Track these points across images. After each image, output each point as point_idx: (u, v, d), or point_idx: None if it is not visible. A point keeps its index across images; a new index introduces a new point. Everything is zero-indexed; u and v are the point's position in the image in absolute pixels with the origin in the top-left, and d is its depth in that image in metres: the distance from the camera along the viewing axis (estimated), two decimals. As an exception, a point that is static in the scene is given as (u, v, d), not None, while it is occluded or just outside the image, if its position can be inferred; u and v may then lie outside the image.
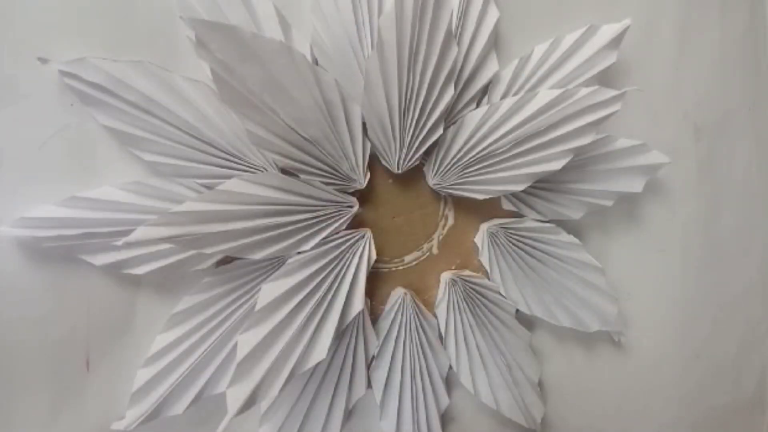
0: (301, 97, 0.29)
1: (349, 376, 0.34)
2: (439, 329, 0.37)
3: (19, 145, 0.28)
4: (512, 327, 0.37)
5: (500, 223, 0.36)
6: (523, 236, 0.36)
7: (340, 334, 0.32)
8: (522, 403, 0.37)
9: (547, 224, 0.36)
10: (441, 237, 0.37)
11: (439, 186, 0.35)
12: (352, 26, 0.32)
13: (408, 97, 0.32)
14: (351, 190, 0.33)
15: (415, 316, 0.35)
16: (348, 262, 0.32)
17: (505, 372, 0.37)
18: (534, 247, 0.36)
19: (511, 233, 0.36)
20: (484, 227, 0.36)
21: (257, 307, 0.29)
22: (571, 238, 0.36)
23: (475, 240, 0.37)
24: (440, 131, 0.33)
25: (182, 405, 0.30)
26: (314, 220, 0.31)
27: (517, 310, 0.38)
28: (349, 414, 0.35)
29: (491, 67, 0.35)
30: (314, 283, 0.31)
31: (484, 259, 0.36)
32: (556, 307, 0.36)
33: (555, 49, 0.36)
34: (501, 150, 0.33)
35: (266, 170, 0.31)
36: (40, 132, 0.28)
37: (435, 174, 0.35)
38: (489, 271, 0.36)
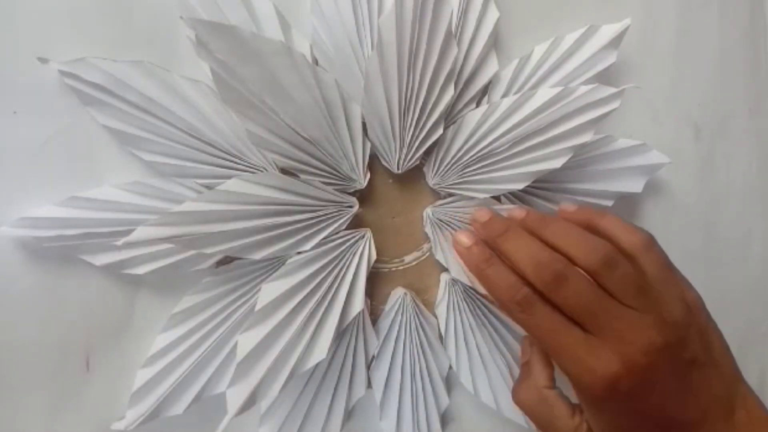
0: (301, 97, 0.29)
1: (349, 376, 0.34)
2: (439, 329, 0.37)
3: (19, 145, 0.28)
4: (512, 327, 0.37)
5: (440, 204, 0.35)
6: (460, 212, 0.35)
7: (340, 334, 0.32)
8: (522, 403, 0.37)
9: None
10: (441, 237, 0.37)
11: (439, 186, 0.35)
12: (352, 26, 0.32)
13: (408, 97, 0.32)
14: (351, 190, 0.34)
15: (415, 316, 0.35)
16: (348, 262, 0.32)
17: (505, 372, 0.37)
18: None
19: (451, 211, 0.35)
20: (428, 211, 0.35)
21: (257, 307, 0.29)
22: (510, 206, 0.35)
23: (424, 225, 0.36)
24: (440, 131, 0.33)
25: (182, 405, 0.30)
26: (314, 220, 0.31)
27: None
28: (349, 414, 0.35)
29: (491, 67, 0.35)
30: (314, 283, 0.31)
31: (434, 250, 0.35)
32: None
33: (555, 49, 0.36)
34: (501, 149, 0.33)
35: (266, 170, 0.31)
36: (39, 132, 0.28)
37: (435, 174, 0.35)
38: (433, 249, 0.35)
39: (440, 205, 0.35)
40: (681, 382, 0.26)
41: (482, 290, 0.34)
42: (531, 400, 0.31)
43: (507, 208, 0.33)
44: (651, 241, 0.29)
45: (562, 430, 0.29)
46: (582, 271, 0.27)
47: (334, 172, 0.32)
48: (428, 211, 0.36)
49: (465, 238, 0.31)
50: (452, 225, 0.35)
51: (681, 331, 0.26)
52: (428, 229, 0.35)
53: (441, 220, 0.35)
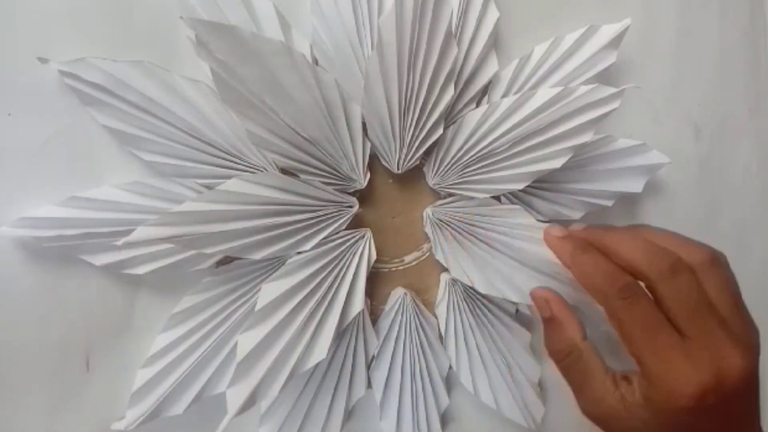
0: (301, 97, 0.29)
1: (349, 376, 0.34)
2: (439, 329, 0.37)
3: (18, 145, 0.28)
4: (512, 327, 0.37)
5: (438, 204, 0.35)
6: (462, 214, 0.35)
7: (340, 334, 0.32)
8: (522, 403, 0.37)
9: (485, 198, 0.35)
10: (441, 237, 0.37)
11: (439, 186, 0.35)
12: (352, 26, 0.32)
13: (408, 97, 0.32)
14: (351, 190, 0.33)
15: (415, 316, 0.35)
16: (348, 262, 0.32)
17: (505, 372, 0.37)
18: (472, 224, 0.35)
19: (450, 211, 0.35)
20: (428, 211, 0.36)
21: (257, 307, 0.29)
22: (510, 206, 0.35)
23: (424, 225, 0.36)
24: (440, 131, 0.33)
25: (182, 405, 0.30)
26: (314, 220, 0.31)
27: (517, 311, 0.38)
28: (349, 414, 0.35)
29: (491, 67, 0.35)
30: (314, 283, 0.31)
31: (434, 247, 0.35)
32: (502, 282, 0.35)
33: (555, 49, 0.36)
34: (500, 149, 0.33)
35: (266, 170, 0.31)
36: (39, 132, 0.28)
37: (435, 174, 0.35)
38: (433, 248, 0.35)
39: (440, 205, 0.35)
40: (740, 409, 0.26)
41: (483, 290, 0.34)
42: (565, 350, 0.30)
43: (539, 225, 0.33)
44: (726, 261, 0.29)
45: (595, 383, 0.28)
46: None
47: (334, 172, 0.32)
48: (428, 211, 0.36)
49: (557, 231, 0.31)
50: (452, 225, 0.35)
51: (757, 358, 0.26)
52: (428, 229, 0.35)
53: (441, 220, 0.35)
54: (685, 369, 0.24)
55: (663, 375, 0.25)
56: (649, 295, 0.27)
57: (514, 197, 0.36)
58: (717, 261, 0.27)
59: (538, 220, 0.35)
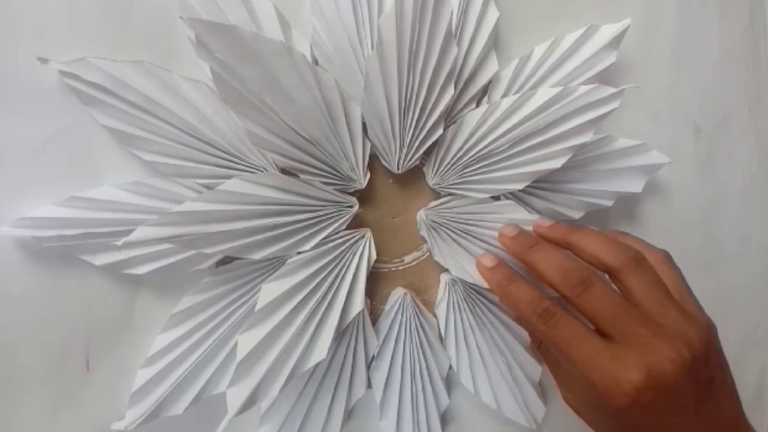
0: (301, 97, 0.29)
1: (349, 376, 0.34)
2: (439, 329, 0.37)
3: (18, 145, 0.28)
4: (512, 327, 0.37)
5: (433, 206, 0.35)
6: (455, 213, 0.35)
7: (340, 334, 0.32)
8: (522, 403, 0.37)
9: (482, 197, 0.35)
10: (441, 237, 0.37)
11: (439, 186, 0.35)
12: (352, 26, 0.32)
13: (408, 97, 0.32)
14: (351, 190, 0.34)
15: (415, 316, 0.35)
16: (348, 262, 0.32)
17: (506, 372, 0.37)
18: (467, 222, 0.35)
19: (444, 212, 0.35)
20: (422, 214, 0.36)
21: (257, 307, 0.29)
22: (502, 201, 0.35)
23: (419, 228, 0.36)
24: (440, 131, 0.33)
25: (182, 405, 0.30)
26: (314, 220, 0.31)
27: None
28: (349, 414, 0.35)
29: (491, 67, 0.35)
30: (314, 283, 0.31)
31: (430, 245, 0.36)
32: None
33: (555, 49, 0.36)
34: (500, 149, 0.33)
35: (266, 170, 0.31)
36: (39, 132, 0.28)
37: (435, 174, 0.35)
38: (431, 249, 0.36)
39: (433, 207, 0.35)
40: (698, 400, 0.26)
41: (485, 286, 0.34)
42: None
43: (532, 219, 0.34)
44: (669, 257, 0.30)
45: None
46: (608, 280, 0.28)
47: (334, 172, 0.32)
48: (421, 213, 0.35)
49: (488, 261, 0.32)
50: (447, 226, 0.35)
51: (704, 348, 0.26)
52: (424, 232, 0.35)
53: (435, 222, 0.35)
54: (613, 371, 0.25)
55: (597, 381, 0.26)
56: (569, 310, 0.28)
57: (514, 197, 0.36)
58: (640, 261, 0.28)
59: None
